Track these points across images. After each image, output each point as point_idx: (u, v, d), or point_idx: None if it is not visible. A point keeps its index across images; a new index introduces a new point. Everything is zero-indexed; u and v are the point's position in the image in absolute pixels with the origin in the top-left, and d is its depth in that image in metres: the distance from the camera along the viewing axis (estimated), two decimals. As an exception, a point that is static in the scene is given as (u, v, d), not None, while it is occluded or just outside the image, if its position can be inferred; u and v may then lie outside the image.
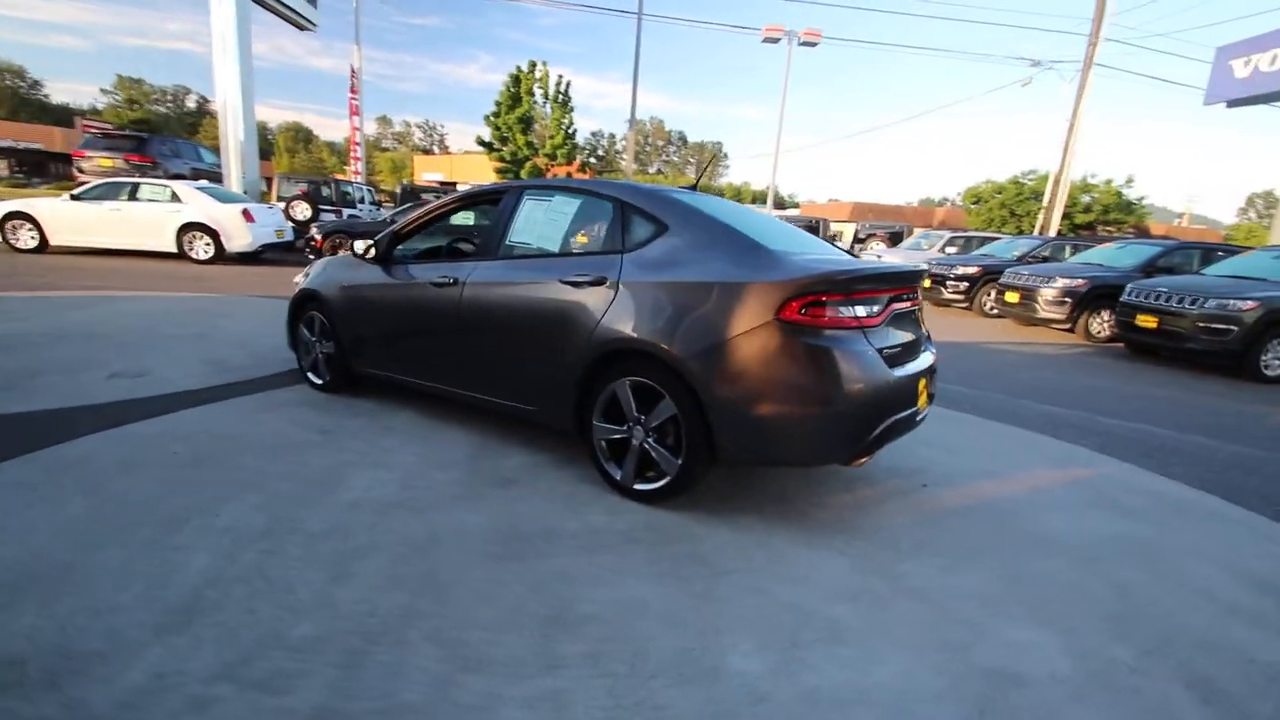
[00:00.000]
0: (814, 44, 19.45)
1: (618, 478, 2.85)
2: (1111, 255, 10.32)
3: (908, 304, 2.82)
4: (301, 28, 17.90)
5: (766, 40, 19.85)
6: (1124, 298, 8.31)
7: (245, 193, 14.20)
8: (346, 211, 15.31)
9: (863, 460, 2.56)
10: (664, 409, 2.65)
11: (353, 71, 19.54)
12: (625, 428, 2.80)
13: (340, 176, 30.73)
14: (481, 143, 32.12)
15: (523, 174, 31.15)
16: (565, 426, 3.04)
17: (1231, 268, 8.34)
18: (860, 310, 2.49)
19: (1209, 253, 9.76)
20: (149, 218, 10.55)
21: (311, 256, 11.97)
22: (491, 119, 30.99)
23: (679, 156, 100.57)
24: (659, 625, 1.95)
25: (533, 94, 30.93)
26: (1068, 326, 9.64)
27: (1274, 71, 18.77)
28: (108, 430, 3.23)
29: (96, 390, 3.84)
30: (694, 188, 3.47)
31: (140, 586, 1.95)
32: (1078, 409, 5.24)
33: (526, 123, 31.05)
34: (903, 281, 2.73)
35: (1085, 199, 33.17)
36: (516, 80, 30.62)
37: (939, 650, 1.93)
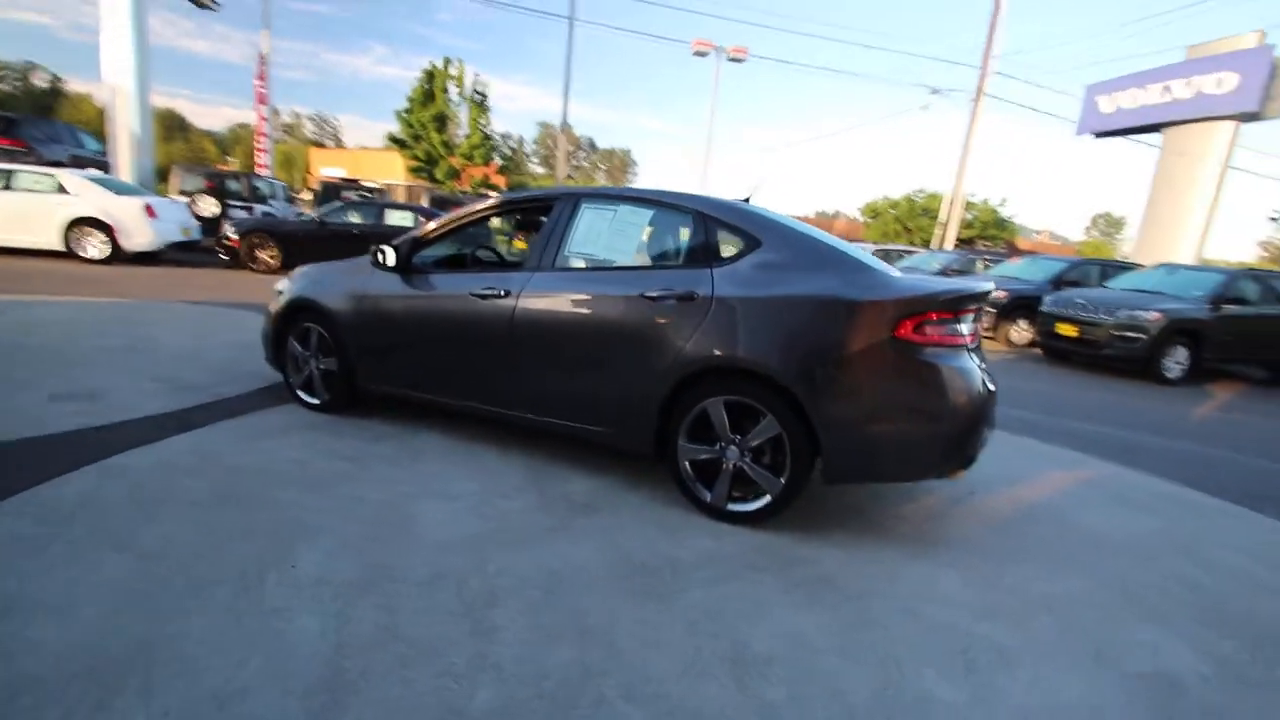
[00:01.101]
0: (741, 60, 20.12)
1: (707, 499, 2.75)
2: (1023, 269, 11.37)
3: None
4: (203, 5, 16.19)
5: (697, 54, 20.29)
6: (1044, 308, 9.15)
7: (140, 184, 12.63)
8: (259, 208, 13.97)
9: (962, 473, 2.62)
10: (765, 428, 2.58)
11: (261, 57, 17.93)
12: (715, 448, 2.71)
13: (225, 168, 28.16)
14: (393, 139, 30.60)
15: (437, 174, 29.99)
16: (640, 449, 2.90)
17: (1131, 282, 9.42)
18: (963, 327, 2.54)
19: (1106, 269, 10.97)
20: (28, 210, 9.11)
21: (225, 257, 10.83)
22: (403, 115, 29.61)
23: (588, 162, 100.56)
24: (838, 660, 1.88)
25: (447, 91, 29.87)
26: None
27: (1134, 109, 21.57)
28: (91, 465, 2.72)
29: (45, 416, 3.23)
30: (747, 200, 3.43)
31: (257, 661, 1.62)
32: (1030, 410, 5.69)
33: (441, 121, 29.93)
34: (983, 299, 2.83)
35: (968, 216, 36.46)
36: (430, 77, 29.45)
37: (1096, 662, 1.99)
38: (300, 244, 10.70)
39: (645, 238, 2.96)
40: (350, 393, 3.72)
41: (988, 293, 2.82)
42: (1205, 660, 2.06)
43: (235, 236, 10.65)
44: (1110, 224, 77.99)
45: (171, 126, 71.85)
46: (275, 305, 3.89)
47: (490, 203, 3.45)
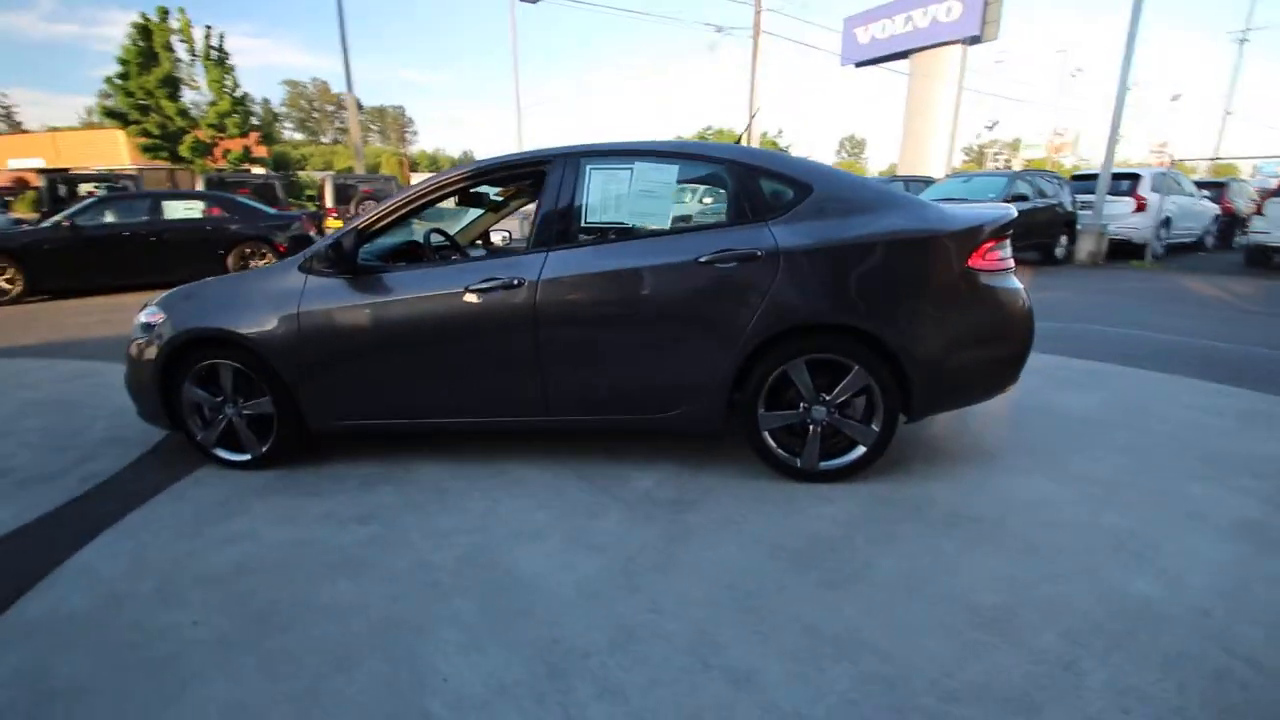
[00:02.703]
0: (534, 0, 18.99)
1: (798, 465, 2.62)
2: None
3: None
4: None
5: (485, -7, 18.65)
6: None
7: None
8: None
9: (1013, 385, 2.78)
10: (854, 380, 2.50)
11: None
12: (799, 410, 2.57)
13: None
14: (109, 113, 24.61)
15: (182, 150, 24.86)
16: (707, 428, 2.67)
17: (936, 192, 10.84)
18: (1008, 251, 2.64)
19: (908, 184, 12.50)
20: None
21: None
22: (118, 83, 23.80)
23: (358, 123, 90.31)
24: (1053, 587, 1.90)
25: (173, 50, 24.49)
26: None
27: (885, 38, 24.54)
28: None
29: None
30: (737, 143, 3.21)
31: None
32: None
33: (173, 85, 24.63)
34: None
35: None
36: (146, 32, 23.86)
37: (1201, 523, 2.27)
38: (50, 259, 8.23)
39: (679, 196, 2.63)
40: (297, 437, 2.94)
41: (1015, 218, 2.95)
42: (1251, 501, 2.45)
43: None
44: (855, 146, 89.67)
45: None
46: (146, 345, 2.91)
47: (454, 175, 2.81)
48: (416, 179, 29.30)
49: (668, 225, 2.59)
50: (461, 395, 2.78)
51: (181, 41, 24.67)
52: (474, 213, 4.23)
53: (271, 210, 9.90)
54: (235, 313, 2.81)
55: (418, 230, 3.68)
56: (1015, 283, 2.62)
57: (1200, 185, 13.61)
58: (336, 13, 16.88)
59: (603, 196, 2.65)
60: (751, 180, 2.57)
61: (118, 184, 13.11)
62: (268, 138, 30.79)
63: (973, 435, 3.15)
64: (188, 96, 25.36)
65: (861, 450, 2.59)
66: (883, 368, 2.47)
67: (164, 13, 24.18)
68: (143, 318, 2.98)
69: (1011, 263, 2.63)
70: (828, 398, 2.54)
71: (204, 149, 25.14)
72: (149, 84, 23.78)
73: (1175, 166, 15.10)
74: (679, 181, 2.64)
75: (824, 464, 2.62)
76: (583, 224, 2.64)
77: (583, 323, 2.59)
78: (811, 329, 2.49)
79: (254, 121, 27.72)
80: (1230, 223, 13.64)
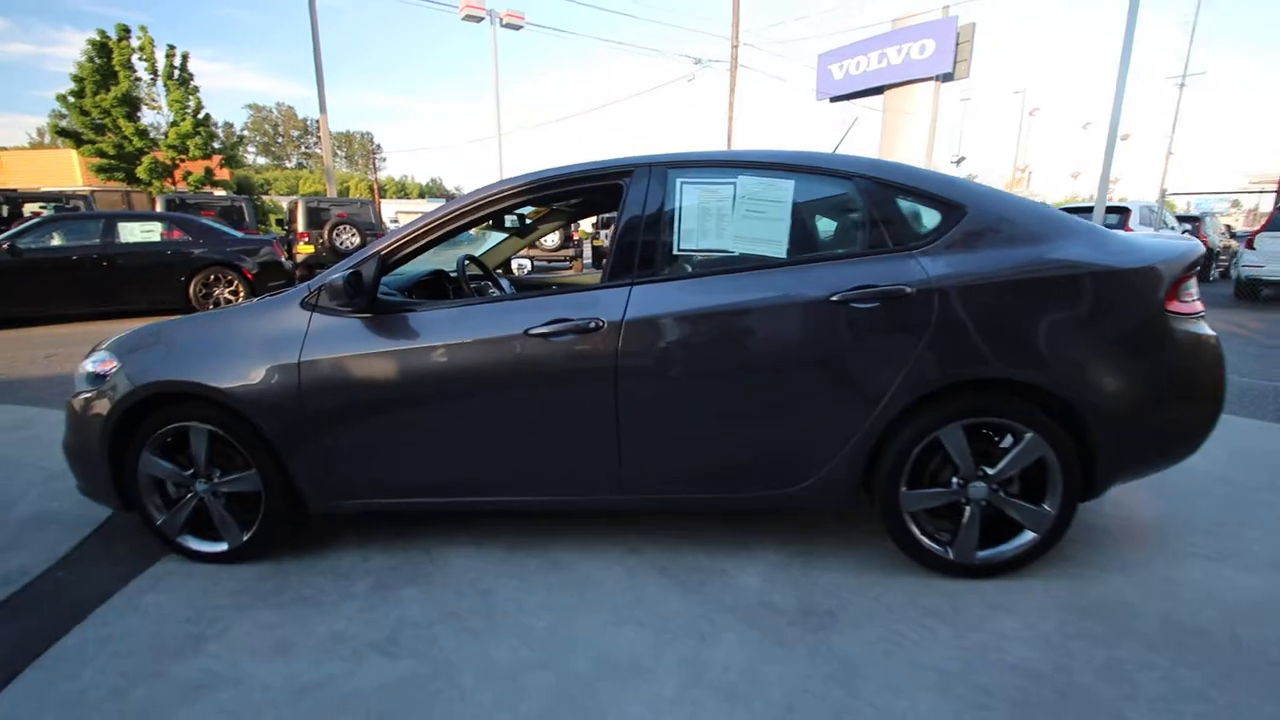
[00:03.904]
0: (518, 27, 18.68)
1: (949, 556, 2.07)
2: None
3: None
4: None
5: (468, 18, 18.26)
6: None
7: None
8: None
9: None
10: (1027, 450, 1.97)
11: None
12: (952, 487, 2.03)
13: None
14: (61, 132, 23.42)
15: (139, 171, 23.73)
16: (833, 505, 2.12)
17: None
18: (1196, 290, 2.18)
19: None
20: None
21: None
22: (73, 101, 22.71)
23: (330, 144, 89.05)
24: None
25: (133, 69, 23.51)
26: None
27: (859, 74, 24.96)
28: None
29: None
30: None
31: None
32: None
33: (132, 105, 23.60)
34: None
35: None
36: (104, 49, 22.89)
37: None
38: (-18, 287, 7.32)
39: (797, 217, 2.10)
40: (290, 521, 2.28)
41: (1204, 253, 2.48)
42: None
43: None
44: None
45: None
46: (94, 400, 2.24)
47: (503, 189, 2.23)
48: (387, 205, 28.57)
49: (784, 254, 2.05)
50: (511, 468, 2.17)
51: (142, 60, 23.78)
52: (495, 238, 3.66)
53: (238, 234, 9.11)
54: (214, 361, 2.16)
55: (430, 257, 3.10)
56: (1208, 329, 2.14)
57: (1179, 220, 13.85)
58: (310, 31, 16.28)
59: (699, 217, 2.10)
60: (890, 200, 2.05)
61: (68, 204, 12.10)
62: (231, 160, 29.75)
63: (1108, 502, 2.65)
64: (148, 118, 24.38)
65: (1029, 537, 2.05)
66: (1064, 434, 1.95)
67: (124, 30, 23.31)
68: (90, 365, 2.30)
69: (1202, 305, 2.16)
70: (990, 471, 2.00)
71: (163, 170, 24.08)
72: (106, 102, 22.77)
73: (1163, 201, 15.42)
74: (802, 200, 2.11)
75: (981, 554, 2.07)
76: (675, 250, 2.09)
77: (678, 376, 2.02)
78: (973, 385, 1.96)
79: (216, 145, 26.73)
80: (1207, 256, 13.87)
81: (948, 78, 22.87)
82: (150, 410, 2.21)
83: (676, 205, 2.10)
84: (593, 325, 1.98)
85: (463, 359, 2.06)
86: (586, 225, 17.07)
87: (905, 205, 2.05)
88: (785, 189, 2.08)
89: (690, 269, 2.10)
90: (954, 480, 2.03)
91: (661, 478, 2.12)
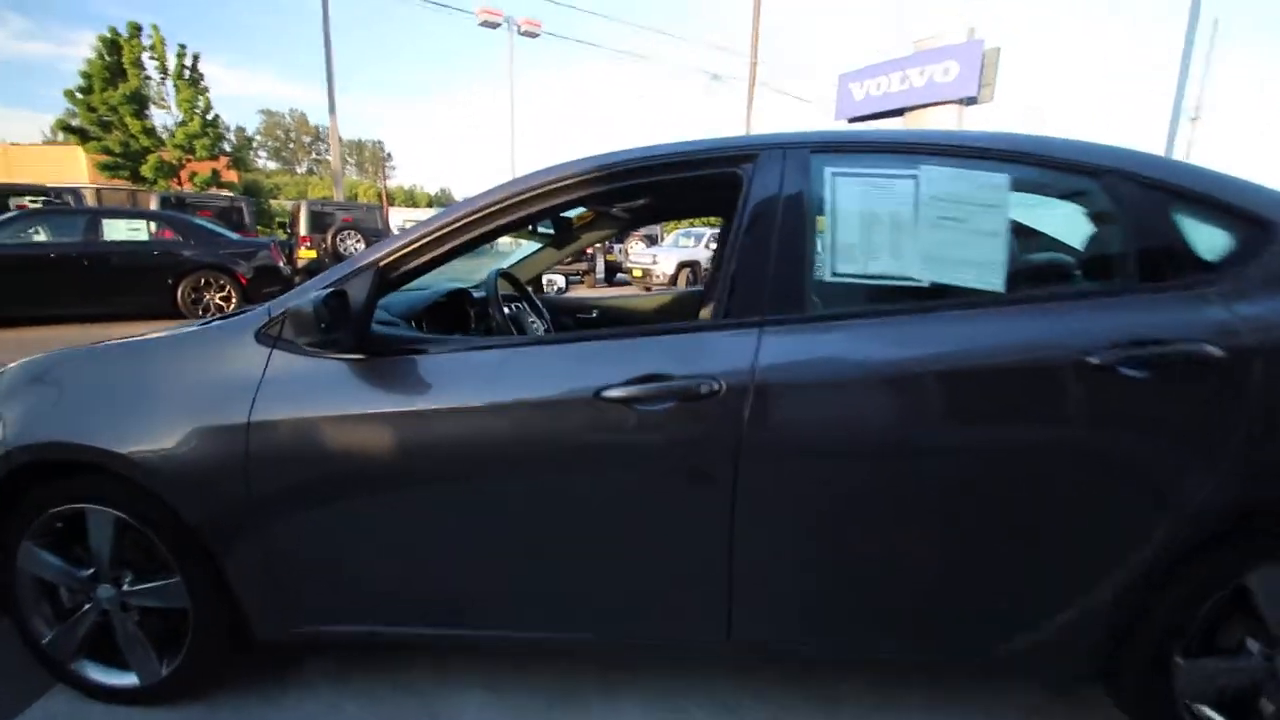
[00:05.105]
0: (535, 35, 18.20)
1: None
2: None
3: None
4: None
5: (484, 24, 17.79)
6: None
7: None
8: None
9: None
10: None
11: None
12: (1253, 657, 1.30)
13: None
14: (68, 129, 23.02)
15: (144, 170, 23.24)
16: (1056, 677, 1.39)
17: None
18: None
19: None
20: None
21: None
22: (80, 97, 22.29)
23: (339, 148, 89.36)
24: None
25: (143, 67, 23.13)
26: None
27: (880, 95, 24.48)
28: None
29: None
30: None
31: None
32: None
33: (140, 103, 23.18)
34: None
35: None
36: (115, 47, 22.53)
37: None
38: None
39: (1008, 232, 1.38)
40: (234, 648, 1.56)
41: None
42: None
43: None
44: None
45: None
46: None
47: (559, 177, 1.51)
48: (395, 214, 27.91)
49: (1001, 285, 1.33)
50: (558, 593, 1.45)
51: (153, 59, 23.44)
52: (526, 248, 2.96)
53: (234, 235, 8.47)
54: (123, 415, 1.46)
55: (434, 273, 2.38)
56: None
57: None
58: (323, 35, 15.82)
59: (863, 226, 1.40)
60: (1162, 210, 1.34)
61: (56, 200, 11.49)
62: (239, 162, 29.37)
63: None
64: (157, 119, 24.02)
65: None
66: None
67: (136, 28, 23.01)
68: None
69: None
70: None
71: (169, 170, 23.60)
72: (113, 99, 22.36)
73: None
74: (1021, 204, 1.40)
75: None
76: (827, 275, 1.38)
77: (834, 469, 1.30)
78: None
79: (226, 146, 26.33)
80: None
81: (971, 101, 22.35)
82: (32, 483, 1.50)
83: (829, 207, 1.40)
84: (704, 389, 1.27)
85: (497, 431, 1.36)
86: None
87: (1187, 218, 1.34)
88: (997, 185, 1.37)
89: (852, 305, 1.39)
90: (1254, 647, 1.29)
91: (793, 621, 1.40)
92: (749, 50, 22.87)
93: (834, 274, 1.37)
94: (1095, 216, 1.47)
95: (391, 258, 1.49)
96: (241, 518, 1.43)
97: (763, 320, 1.33)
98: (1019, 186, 1.39)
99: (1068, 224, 1.54)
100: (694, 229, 17.04)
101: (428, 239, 1.50)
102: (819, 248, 1.39)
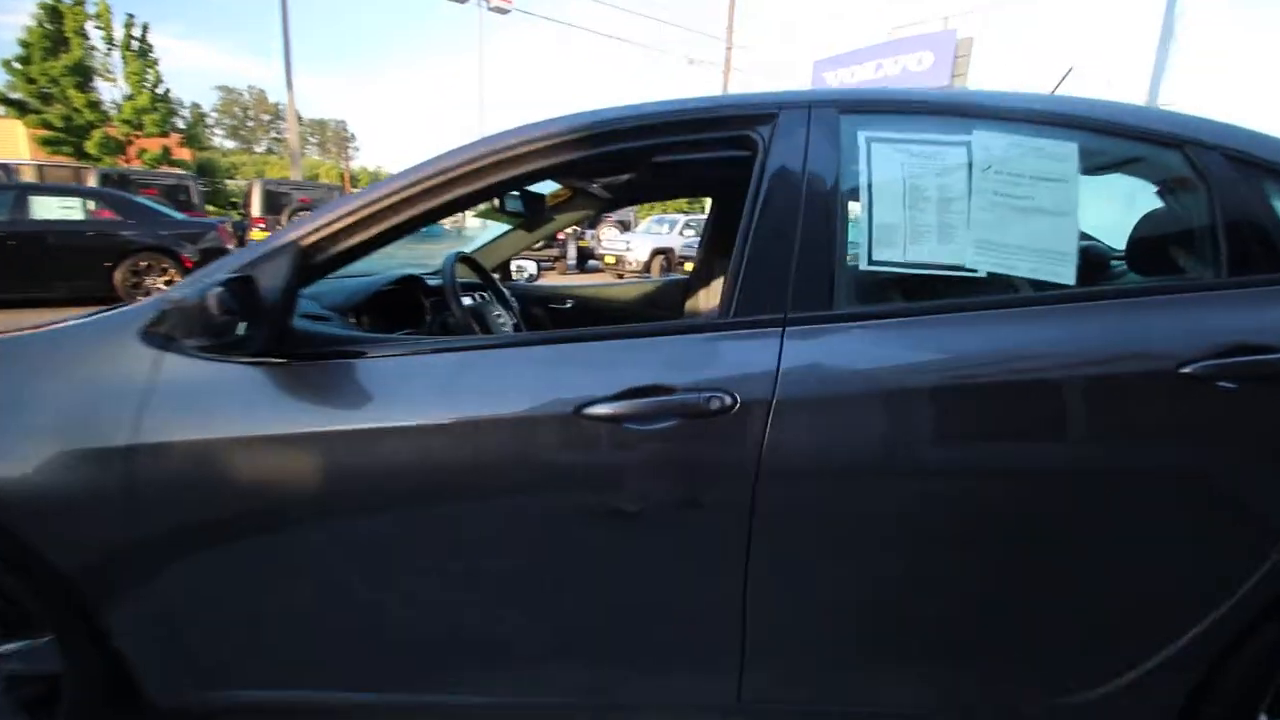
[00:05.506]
0: (505, 11, 17.57)
1: None
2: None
3: None
4: None
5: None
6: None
7: None
8: None
9: None
10: None
11: None
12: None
13: None
14: (5, 101, 21.63)
15: (89, 146, 21.96)
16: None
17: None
18: None
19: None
20: None
21: None
22: (18, 67, 20.90)
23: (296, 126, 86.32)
24: None
25: (86, 36, 21.78)
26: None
27: (853, 84, 24.57)
28: None
29: None
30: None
31: None
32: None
33: (84, 75, 21.87)
34: None
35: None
36: (56, 14, 21.14)
37: None
38: None
39: (1077, 213, 1.14)
40: (121, 718, 1.26)
41: None
42: None
43: None
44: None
45: None
46: None
47: (528, 138, 1.22)
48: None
49: (1071, 276, 1.10)
50: (529, 649, 1.18)
51: (98, 28, 22.09)
52: (491, 230, 2.66)
53: (180, 215, 7.91)
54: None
55: (380, 254, 2.04)
56: None
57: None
58: (280, 10, 15.00)
59: (906, 202, 1.14)
60: (1257, 188, 1.12)
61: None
62: (192, 139, 28.04)
63: None
64: (104, 93, 22.71)
65: None
66: None
67: (79, -5, 21.64)
68: None
69: None
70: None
71: (115, 146, 22.33)
72: (54, 70, 21.03)
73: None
74: (1088, 180, 1.16)
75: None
76: (863, 264, 1.12)
77: (873, 501, 1.06)
78: None
79: (178, 122, 25.09)
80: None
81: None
82: None
83: (863, 179, 1.14)
84: (713, 404, 1.01)
85: (452, 456, 1.08)
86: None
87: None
88: (1065, 156, 1.13)
89: (893, 300, 1.14)
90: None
91: (816, 680, 1.16)
92: (724, 35, 22.60)
93: (871, 262, 1.12)
94: (1176, 196, 1.25)
95: (318, 235, 1.18)
96: (127, 563, 1.13)
97: (785, 319, 1.07)
98: (1090, 157, 1.15)
99: (1139, 203, 1.31)
100: (666, 215, 16.70)
101: (367, 212, 1.20)
102: (852, 230, 1.14)
